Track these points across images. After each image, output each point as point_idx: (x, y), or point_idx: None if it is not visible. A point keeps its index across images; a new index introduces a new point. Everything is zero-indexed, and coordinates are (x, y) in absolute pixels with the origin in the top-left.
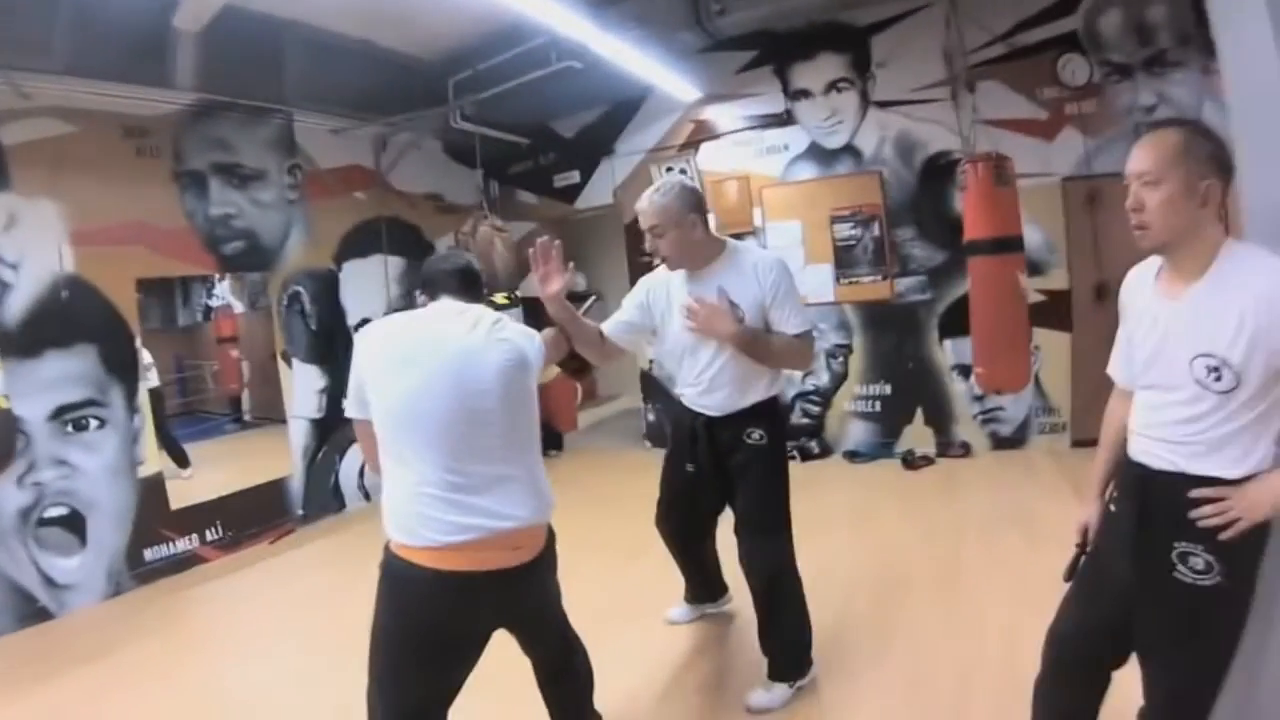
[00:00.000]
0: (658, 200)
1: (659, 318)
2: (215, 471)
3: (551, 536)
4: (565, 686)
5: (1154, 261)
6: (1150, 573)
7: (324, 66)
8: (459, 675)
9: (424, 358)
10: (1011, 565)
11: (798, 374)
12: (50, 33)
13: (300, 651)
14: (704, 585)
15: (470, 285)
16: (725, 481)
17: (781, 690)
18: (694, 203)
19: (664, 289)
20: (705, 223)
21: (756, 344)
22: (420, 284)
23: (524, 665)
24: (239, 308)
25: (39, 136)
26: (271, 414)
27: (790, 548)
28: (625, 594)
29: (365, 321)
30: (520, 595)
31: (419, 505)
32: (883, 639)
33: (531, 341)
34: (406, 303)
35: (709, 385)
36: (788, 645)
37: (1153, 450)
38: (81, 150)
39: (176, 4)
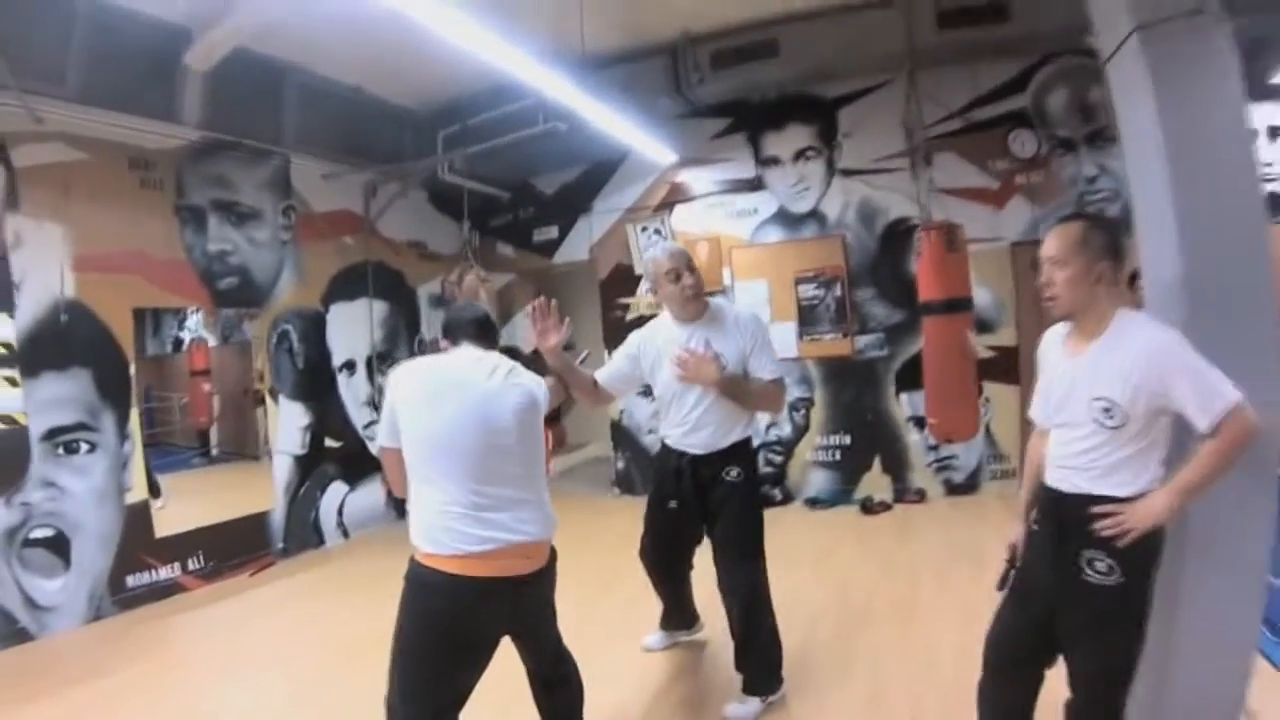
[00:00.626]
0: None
1: (649, 367)
2: (183, 505)
3: (554, 552)
4: (559, 695)
5: (1064, 325)
6: (1065, 577)
7: (320, 112)
8: (472, 678)
9: (453, 398)
10: (962, 595)
11: (762, 425)
12: (65, 60)
13: (282, 680)
14: (679, 613)
15: (487, 333)
16: (705, 514)
17: (755, 704)
18: (688, 262)
19: (654, 342)
20: (698, 278)
21: (737, 389)
22: (442, 331)
23: (520, 679)
24: (212, 341)
25: (49, 161)
26: (240, 450)
27: (765, 574)
28: (603, 623)
29: (349, 363)
30: (528, 599)
31: (447, 520)
32: (845, 661)
33: (540, 387)
34: (390, 346)
35: (694, 425)
36: (762, 662)
37: (1063, 476)
38: (88, 177)
39: (189, 42)
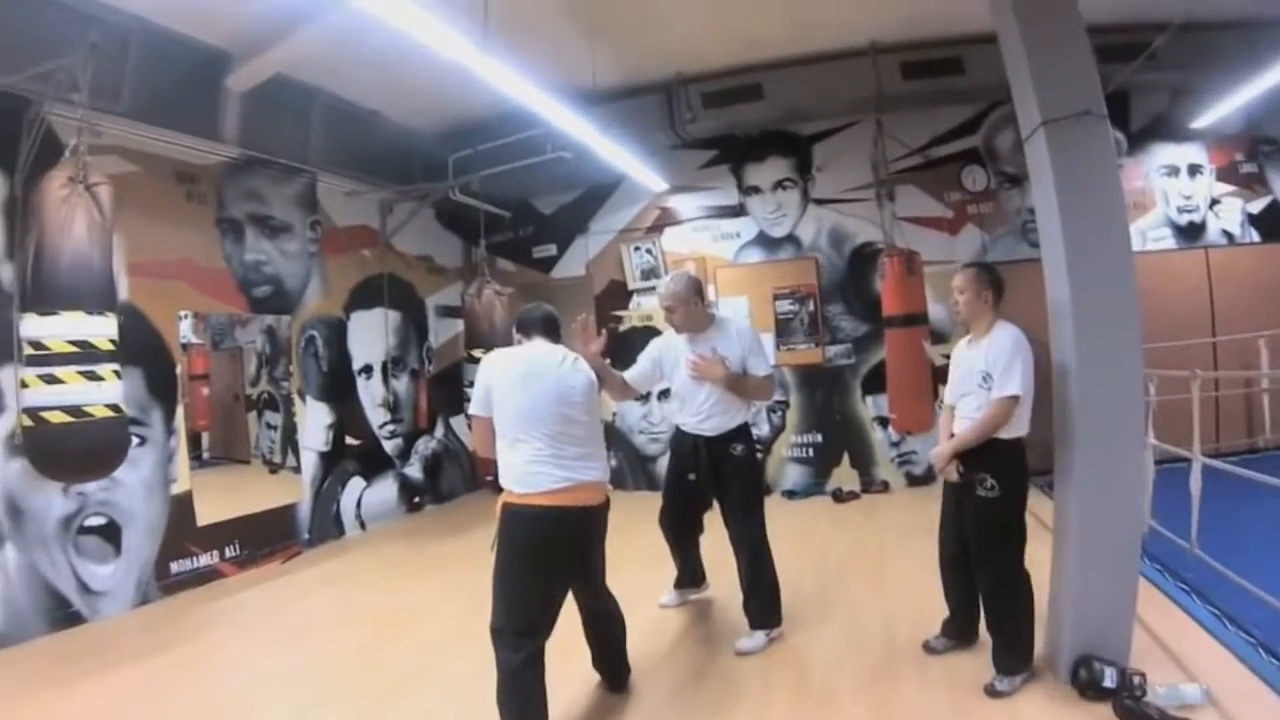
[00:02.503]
0: (672, 287)
1: (669, 369)
2: None
3: (608, 498)
4: (607, 627)
5: (966, 337)
6: (967, 495)
7: (343, 133)
8: (559, 597)
9: (537, 379)
10: (923, 557)
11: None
12: (122, 78)
13: (323, 655)
14: (690, 574)
15: (553, 329)
16: (716, 484)
17: (760, 637)
18: (696, 288)
19: (672, 349)
20: (704, 301)
21: (738, 384)
22: (517, 327)
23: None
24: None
25: (106, 173)
26: (229, 454)
27: (764, 529)
28: (618, 593)
29: (367, 367)
30: (594, 527)
31: (536, 467)
32: (827, 608)
33: (593, 374)
34: (402, 352)
35: (707, 414)
36: (765, 600)
37: (963, 427)
38: (140, 189)
39: (229, 65)
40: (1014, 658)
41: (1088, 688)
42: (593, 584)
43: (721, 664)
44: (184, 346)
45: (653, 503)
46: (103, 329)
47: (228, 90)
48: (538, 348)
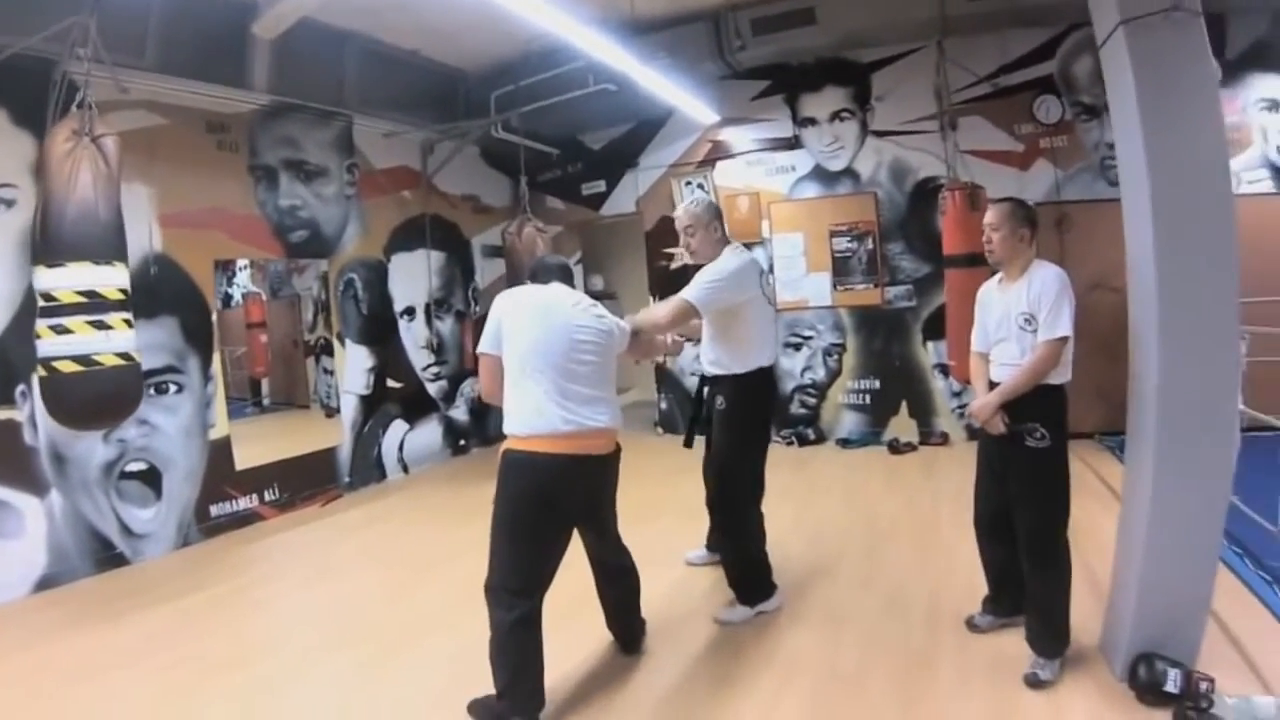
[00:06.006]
0: (693, 209)
1: None
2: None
3: (619, 446)
4: (620, 584)
5: (995, 278)
6: (1012, 447)
7: (380, 75)
8: (557, 553)
9: (548, 314)
10: None
11: (798, 369)
12: (144, 33)
13: (361, 590)
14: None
15: (569, 278)
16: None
17: (743, 610)
18: (716, 213)
19: None
20: (723, 229)
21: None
22: (531, 277)
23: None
24: (262, 296)
25: (135, 127)
26: (289, 399)
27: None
28: (649, 546)
29: (409, 309)
30: (601, 477)
31: (540, 406)
32: (872, 573)
33: (619, 323)
34: (446, 293)
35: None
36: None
37: (1005, 375)
38: (170, 141)
39: (256, 13)
40: (1054, 637)
41: (1147, 690)
42: (603, 538)
43: (747, 630)
44: (244, 296)
45: (702, 450)
46: (111, 279)
47: (255, 38)
48: (554, 290)
